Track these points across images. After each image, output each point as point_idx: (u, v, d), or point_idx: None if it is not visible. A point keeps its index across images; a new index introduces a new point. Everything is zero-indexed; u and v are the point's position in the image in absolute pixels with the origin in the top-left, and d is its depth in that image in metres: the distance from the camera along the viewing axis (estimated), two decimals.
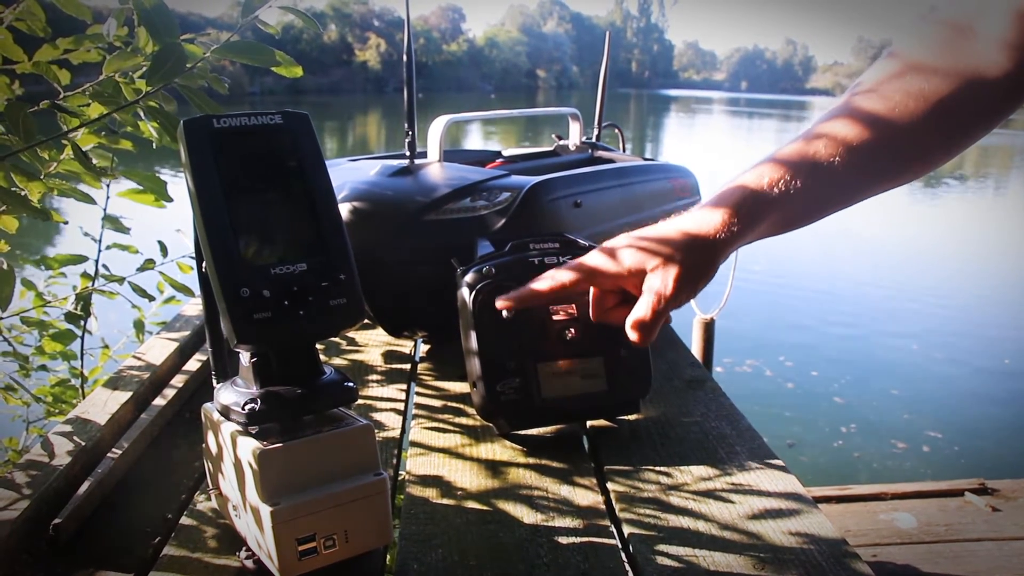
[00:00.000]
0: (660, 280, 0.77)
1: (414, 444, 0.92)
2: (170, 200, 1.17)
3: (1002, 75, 0.66)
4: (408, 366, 1.16)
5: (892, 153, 0.72)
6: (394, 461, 0.89)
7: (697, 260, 0.76)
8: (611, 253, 0.81)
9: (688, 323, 3.16)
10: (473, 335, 0.90)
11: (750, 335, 5.45)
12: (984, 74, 0.66)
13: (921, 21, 0.72)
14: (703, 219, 0.76)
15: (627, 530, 0.75)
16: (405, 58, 1.16)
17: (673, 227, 0.78)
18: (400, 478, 0.88)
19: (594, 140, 1.68)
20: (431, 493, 0.81)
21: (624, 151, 1.73)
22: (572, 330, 0.91)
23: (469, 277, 0.91)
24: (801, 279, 7.25)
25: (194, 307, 1.33)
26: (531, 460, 0.89)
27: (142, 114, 1.03)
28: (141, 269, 1.42)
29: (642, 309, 0.78)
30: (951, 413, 4.26)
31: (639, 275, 0.79)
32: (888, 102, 0.70)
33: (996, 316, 6.27)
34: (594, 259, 0.83)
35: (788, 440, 3.79)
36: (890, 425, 4.05)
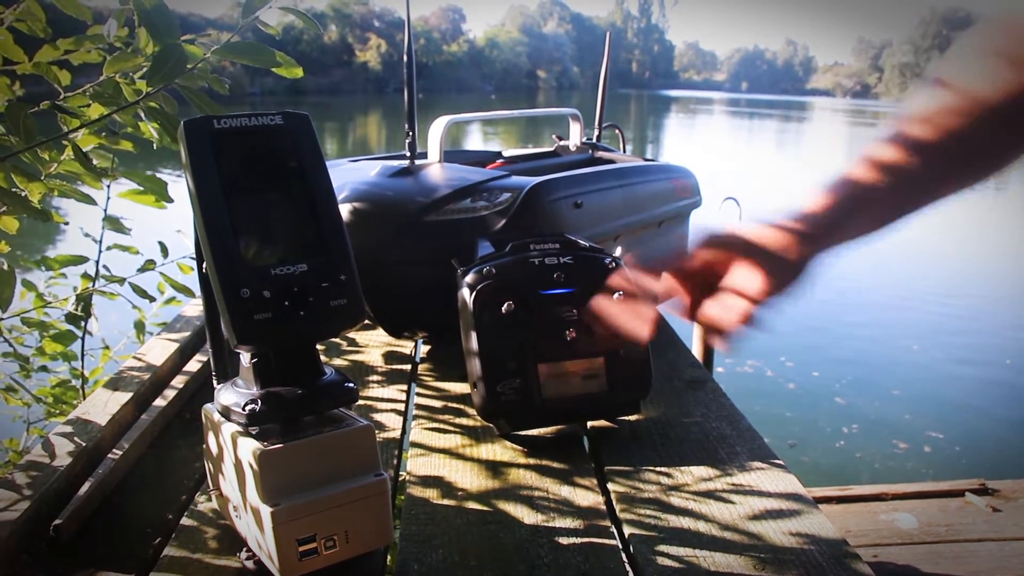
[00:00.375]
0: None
1: (414, 445, 0.92)
2: (170, 201, 1.16)
3: None
4: (408, 367, 1.16)
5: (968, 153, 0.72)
6: (394, 462, 0.89)
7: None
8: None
9: (688, 324, 3.17)
10: (474, 336, 0.90)
11: (751, 335, 5.44)
12: None
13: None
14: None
15: (627, 530, 0.75)
16: (405, 59, 1.16)
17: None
18: (400, 478, 0.88)
19: (594, 141, 1.68)
20: (431, 494, 0.81)
21: (624, 152, 1.73)
22: (572, 331, 0.91)
23: (470, 278, 0.91)
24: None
25: (194, 308, 1.33)
26: (531, 460, 0.89)
27: (142, 115, 1.03)
28: (142, 270, 1.42)
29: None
30: (952, 413, 4.25)
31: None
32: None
33: (997, 316, 6.26)
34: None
35: (789, 440, 3.79)
36: (891, 425, 4.04)
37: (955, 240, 8.97)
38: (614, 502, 0.80)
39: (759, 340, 5.33)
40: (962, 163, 0.72)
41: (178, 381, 1.05)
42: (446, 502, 0.80)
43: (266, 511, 0.59)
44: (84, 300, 1.40)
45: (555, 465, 0.88)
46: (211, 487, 0.73)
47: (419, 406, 1.03)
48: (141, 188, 1.16)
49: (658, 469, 0.87)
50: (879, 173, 0.71)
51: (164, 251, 1.44)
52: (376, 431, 0.66)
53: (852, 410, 4.27)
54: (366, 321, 1.19)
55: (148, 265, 1.42)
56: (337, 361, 1.18)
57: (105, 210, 1.35)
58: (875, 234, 0.75)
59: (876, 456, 3.73)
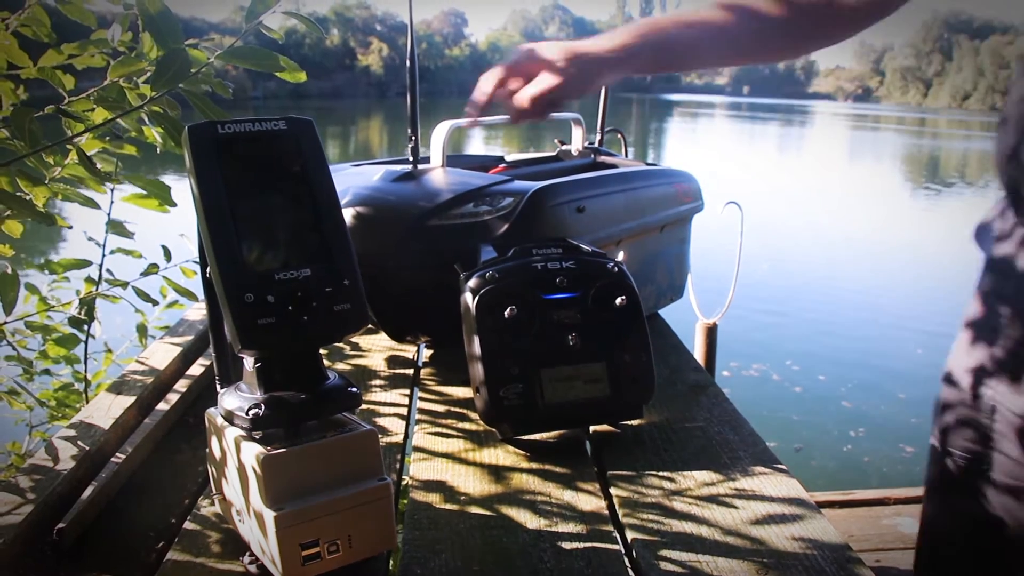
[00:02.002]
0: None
1: (417, 449, 0.92)
2: (174, 205, 1.17)
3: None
4: (411, 371, 1.16)
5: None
6: (397, 466, 0.89)
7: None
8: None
9: (691, 328, 3.16)
10: (476, 340, 0.90)
11: (756, 339, 5.45)
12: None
13: None
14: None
15: (630, 535, 0.75)
16: (408, 64, 1.16)
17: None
18: (403, 483, 0.88)
19: (596, 145, 1.68)
20: (434, 498, 0.81)
21: (626, 156, 1.73)
22: (575, 335, 0.91)
23: (472, 282, 0.92)
24: (805, 284, 7.24)
25: (197, 311, 1.33)
26: (534, 465, 0.89)
27: (146, 119, 1.03)
28: (145, 273, 1.42)
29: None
30: None
31: None
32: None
33: None
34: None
35: (796, 444, 3.79)
36: (898, 429, 4.04)
37: (957, 245, 8.97)
38: (617, 507, 0.81)
39: (765, 344, 5.35)
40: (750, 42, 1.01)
41: (181, 385, 1.05)
42: (449, 506, 0.80)
43: (269, 515, 0.59)
44: (87, 304, 1.40)
45: (558, 470, 0.88)
46: (214, 491, 0.73)
47: (422, 410, 1.03)
48: (144, 192, 1.16)
49: (661, 474, 0.87)
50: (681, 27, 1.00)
51: (167, 255, 1.45)
52: (379, 435, 0.66)
53: (859, 414, 4.27)
54: (369, 325, 1.19)
55: (151, 269, 1.42)
56: (340, 365, 1.18)
57: (108, 214, 1.35)
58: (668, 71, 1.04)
59: (885, 460, 3.73)
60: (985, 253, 0.85)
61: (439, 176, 1.21)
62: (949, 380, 0.89)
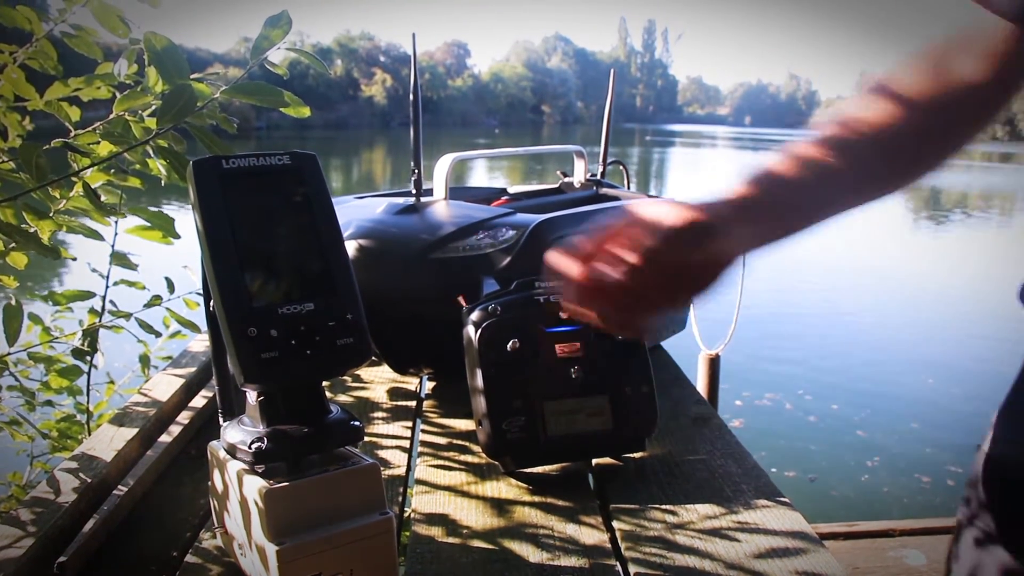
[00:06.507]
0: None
1: (419, 482, 0.92)
2: (177, 237, 1.17)
3: (983, 81, 0.69)
4: (414, 403, 1.16)
5: (884, 156, 0.73)
6: (399, 498, 0.88)
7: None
8: None
9: (694, 359, 3.16)
10: (479, 373, 0.90)
11: (766, 369, 5.44)
12: (967, 80, 0.69)
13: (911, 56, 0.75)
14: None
15: (633, 569, 0.75)
16: (412, 97, 1.17)
17: None
18: (406, 515, 0.88)
19: (599, 177, 1.69)
20: (436, 532, 0.81)
21: (629, 187, 1.74)
22: (577, 368, 0.91)
23: (475, 315, 0.92)
24: (811, 313, 7.24)
25: (200, 343, 1.33)
26: (537, 498, 0.88)
27: (151, 152, 1.04)
28: (148, 305, 1.43)
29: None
30: (970, 449, 4.22)
31: None
32: (879, 111, 0.72)
33: (1010, 353, 6.25)
34: None
35: (810, 475, 3.76)
36: (913, 459, 4.02)
37: (967, 275, 8.97)
38: (619, 540, 0.80)
39: (776, 374, 5.34)
40: (881, 165, 0.73)
41: (183, 417, 1.05)
42: (451, 540, 0.79)
43: (271, 549, 0.59)
44: (90, 335, 1.40)
45: (560, 503, 0.87)
46: (216, 524, 0.73)
47: (424, 443, 1.02)
48: (148, 224, 1.17)
49: (663, 507, 0.86)
50: (801, 168, 0.71)
51: (171, 287, 1.45)
52: (381, 468, 0.66)
53: (874, 443, 4.25)
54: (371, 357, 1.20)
55: (155, 300, 1.43)
56: (342, 397, 1.18)
57: (112, 245, 1.36)
58: (794, 233, 0.74)
59: (904, 491, 3.71)
60: None
61: (442, 209, 1.21)
62: None
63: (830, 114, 0.76)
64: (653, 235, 0.65)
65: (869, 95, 0.74)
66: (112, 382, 1.70)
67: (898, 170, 0.74)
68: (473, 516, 0.84)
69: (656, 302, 0.68)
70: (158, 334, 1.46)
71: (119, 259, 1.36)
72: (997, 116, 0.73)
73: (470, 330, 0.92)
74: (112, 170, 1.10)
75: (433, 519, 0.83)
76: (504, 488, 0.91)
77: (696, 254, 0.66)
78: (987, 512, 0.75)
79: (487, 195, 1.58)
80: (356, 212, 1.20)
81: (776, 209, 0.71)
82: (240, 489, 0.63)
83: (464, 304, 0.95)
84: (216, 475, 0.70)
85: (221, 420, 0.70)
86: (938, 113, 0.71)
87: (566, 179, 1.69)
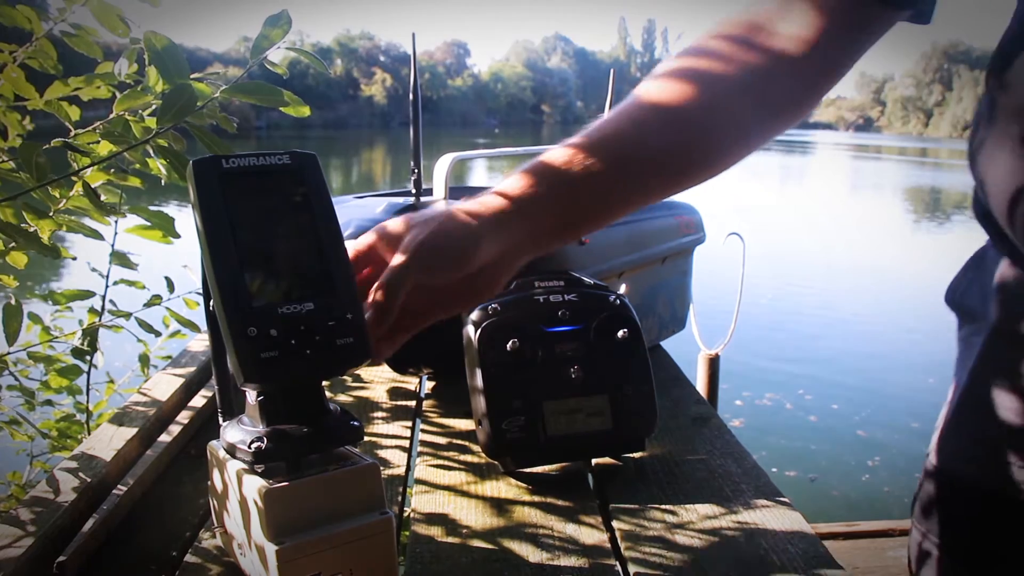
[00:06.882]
0: None
1: (419, 481, 0.92)
2: (177, 236, 1.17)
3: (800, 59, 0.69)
4: (413, 403, 1.16)
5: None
6: (399, 498, 0.88)
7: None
8: None
9: (693, 358, 3.16)
10: (478, 373, 0.90)
11: (766, 368, 5.45)
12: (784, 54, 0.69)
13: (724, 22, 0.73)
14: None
15: (632, 569, 0.75)
16: (411, 97, 1.17)
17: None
18: (405, 515, 0.88)
19: None
20: (436, 531, 0.81)
21: None
22: (577, 368, 0.91)
23: (475, 315, 0.92)
24: (811, 314, 7.24)
25: (200, 343, 1.33)
26: (536, 498, 0.88)
27: (151, 152, 1.04)
28: (148, 305, 1.43)
29: None
30: None
31: None
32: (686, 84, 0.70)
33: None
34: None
35: (811, 475, 3.77)
36: (914, 458, 4.02)
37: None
38: (619, 540, 0.80)
39: (777, 373, 5.35)
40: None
41: (183, 416, 1.05)
42: (451, 539, 0.79)
43: (271, 549, 0.59)
44: (90, 334, 1.41)
45: (560, 503, 0.88)
46: (215, 524, 0.73)
47: (424, 443, 1.02)
48: (148, 223, 1.17)
49: (663, 506, 0.86)
50: (582, 159, 0.69)
51: (170, 286, 1.45)
52: (381, 467, 0.66)
53: (874, 443, 4.26)
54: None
55: (154, 300, 1.43)
56: (342, 397, 1.18)
57: (112, 245, 1.36)
58: (577, 229, 0.74)
59: (905, 491, 3.71)
60: None
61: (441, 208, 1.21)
62: None
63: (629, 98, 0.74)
64: (413, 266, 0.66)
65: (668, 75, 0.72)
66: (112, 381, 1.70)
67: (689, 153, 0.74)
68: (473, 516, 0.84)
69: (429, 317, 0.72)
70: (158, 333, 1.47)
71: (119, 258, 1.36)
72: (817, 93, 0.73)
73: (470, 330, 0.92)
74: (112, 169, 1.10)
75: (433, 519, 0.83)
76: (504, 488, 0.91)
77: (460, 270, 0.68)
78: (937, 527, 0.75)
79: None
80: (356, 212, 1.20)
81: (556, 204, 0.70)
82: (240, 489, 0.63)
83: None
84: (216, 475, 0.70)
85: (221, 420, 0.70)
86: (746, 86, 0.70)
87: None
